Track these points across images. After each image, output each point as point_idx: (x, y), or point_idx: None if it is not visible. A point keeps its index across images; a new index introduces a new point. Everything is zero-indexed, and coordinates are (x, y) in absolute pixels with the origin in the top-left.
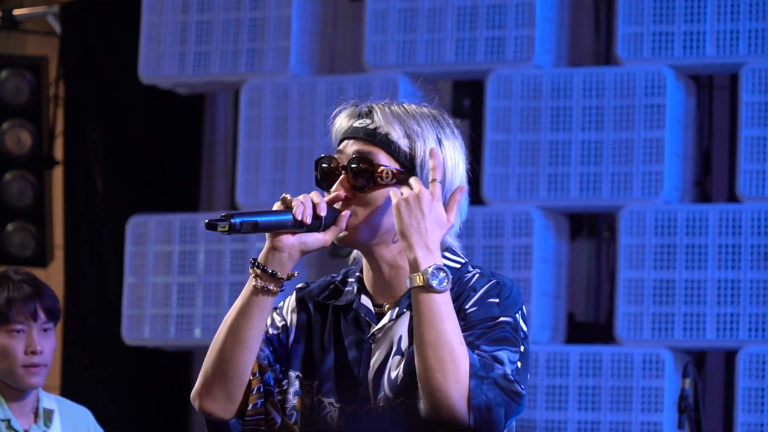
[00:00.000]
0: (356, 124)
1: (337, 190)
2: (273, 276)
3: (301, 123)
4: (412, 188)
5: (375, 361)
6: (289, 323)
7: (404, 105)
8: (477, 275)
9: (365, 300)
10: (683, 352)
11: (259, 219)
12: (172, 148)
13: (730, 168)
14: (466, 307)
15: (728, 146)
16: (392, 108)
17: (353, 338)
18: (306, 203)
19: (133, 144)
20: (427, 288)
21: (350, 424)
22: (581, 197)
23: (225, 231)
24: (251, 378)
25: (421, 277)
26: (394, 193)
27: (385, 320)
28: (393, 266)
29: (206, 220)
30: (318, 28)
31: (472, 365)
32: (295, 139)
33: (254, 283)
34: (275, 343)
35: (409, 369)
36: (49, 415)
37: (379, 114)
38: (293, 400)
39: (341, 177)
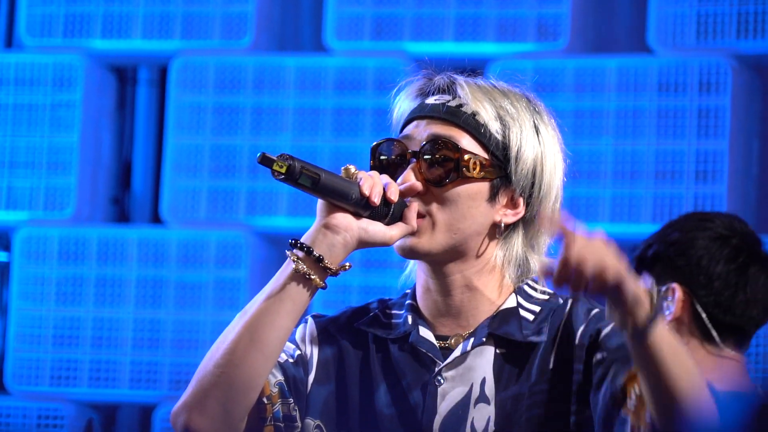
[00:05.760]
0: (431, 100)
1: (407, 180)
2: (319, 262)
3: None
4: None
5: (445, 407)
6: (307, 356)
7: (492, 81)
8: None
9: (425, 332)
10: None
11: (323, 174)
12: None
13: None
14: None
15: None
16: (479, 83)
17: (411, 378)
18: (376, 180)
19: None
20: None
21: None
22: None
23: (281, 172)
24: (265, 402)
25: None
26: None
27: (456, 353)
28: (469, 288)
29: (261, 152)
30: None
31: None
32: None
33: (295, 268)
34: (288, 371)
35: (506, 423)
36: None
37: (465, 88)
38: None
39: (411, 166)
